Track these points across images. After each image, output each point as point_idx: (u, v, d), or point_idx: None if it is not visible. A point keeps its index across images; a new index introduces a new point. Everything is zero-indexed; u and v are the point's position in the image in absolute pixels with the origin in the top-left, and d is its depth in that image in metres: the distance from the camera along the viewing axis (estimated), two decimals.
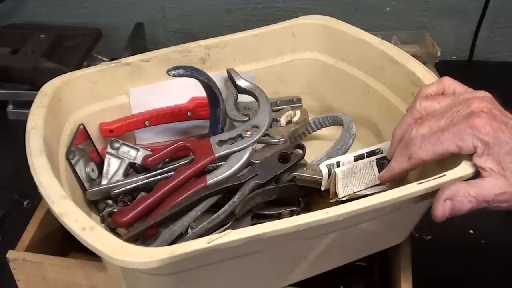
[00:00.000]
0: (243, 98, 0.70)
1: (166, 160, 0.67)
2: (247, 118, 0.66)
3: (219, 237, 0.47)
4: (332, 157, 0.63)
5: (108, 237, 0.47)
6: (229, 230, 0.47)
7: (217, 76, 0.70)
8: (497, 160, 0.51)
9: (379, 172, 0.61)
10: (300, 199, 0.62)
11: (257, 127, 0.64)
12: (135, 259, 0.45)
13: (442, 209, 0.52)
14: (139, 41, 1.02)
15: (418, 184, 0.52)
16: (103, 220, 0.63)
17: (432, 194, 0.53)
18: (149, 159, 0.64)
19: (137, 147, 0.68)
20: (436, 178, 0.52)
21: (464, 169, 0.53)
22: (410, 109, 0.58)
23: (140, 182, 0.64)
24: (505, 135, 0.51)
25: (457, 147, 0.52)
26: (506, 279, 0.70)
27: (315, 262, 0.58)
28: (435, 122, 0.54)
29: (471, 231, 0.75)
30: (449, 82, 0.58)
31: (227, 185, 0.58)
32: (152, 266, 0.45)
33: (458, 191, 0.52)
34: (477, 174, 0.53)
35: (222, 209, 0.57)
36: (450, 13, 1.05)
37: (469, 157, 0.53)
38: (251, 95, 0.69)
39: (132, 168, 0.68)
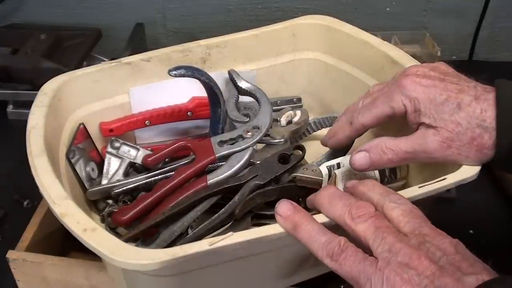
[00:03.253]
0: (244, 98, 0.70)
1: (167, 160, 0.67)
2: (247, 119, 0.66)
3: (221, 240, 0.47)
4: (333, 158, 0.63)
5: (110, 239, 0.47)
6: (231, 233, 0.47)
7: (218, 76, 0.70)
8: (428, 113, 0.53)
9: (380, 176, 0.61)
10: (300, 199, 0.62)
11: (258, 128, 0.64)
12: (137, 261, 0.45)
13: (357, 158, 0.55)
14: (139, 41, 1.02)
15: (419, 187, 0.52)
16: (103, 220, 0.63)
17: (430, 197, 0.53)
18: (150, 159, 0.64)
19: (138, 146, 0.68)
20: (437, 181, 0.53)
21: (465, 172, 0.53)
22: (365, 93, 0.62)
23: (141, 182, 0.64)
24: (438, 89, 0.53)
25: (390, 108, 0.55)
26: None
27: (317, 262, 0.58)
28: (377, 91, 0.58)
29: (471, 231, 0.75)
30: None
31: (228, 186, 0.58)
32: (154, 268, 0.45)
33: (377, 143, 0.55)
34: None
35: (223, 210, 0.57)
36: (450, 13, 1.05)
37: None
38: (252, 97, 0.68)
39: (133, 168, 0.68)
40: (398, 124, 0.60)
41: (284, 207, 0.49)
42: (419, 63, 0.65)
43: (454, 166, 0.54)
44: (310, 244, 0.46)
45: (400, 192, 0.52)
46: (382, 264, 0.41)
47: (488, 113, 0.51)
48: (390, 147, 0.54)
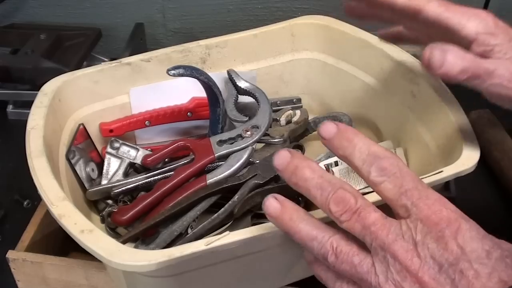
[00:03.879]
0: (243, 98, 0.70)
1: (166, 160, 0.67)
2: (247, 119, 0.66)
3: (217, 239, 0.47)
4: (332, 157, 0.63)
5: (107, 240, 0.47)
6: (227, 232, 0.47)
7: (217, 76, 0.70)
8: (504, 50, 0.48)
9: None
10: (299, 198, 0.62)
11: (257, 127, 0.64)
12: (133, 262, 0.45)
13: (434, 53, 0.46)
14: (139, 41, 1.02)
15: None
16: (103, 220, 0.63)
17: None
18: (149, 159, 0.64)
19: (137, 147, 0.68)
20: (434, 174, 0.53)
21: (462, 164, 0.53)
22: None
23: (140, 182, 0.64)
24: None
25: (459, 25, 0.49)
26: None
27: None
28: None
29: None
30: None
31: (227, 185, 0.58)
32: (150, 269, 0.45)
33: (454, 48, 0.47)
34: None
35: (222, 209, 0.57)
36: None
37: (469, 150, 0.53)
38: (252, 96, 0.69)
39: (132, 168, 0.68)
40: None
41: (271, 208, 0.43)
42: (420, 62, 0.65)
43: (452, 161, 0.54)
44: (305, 247, 0.42)
45: None
46: (379, 269, 0.38)
47: None
48: (469, 58, 0.47)
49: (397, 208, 0.40)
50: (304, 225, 0.42)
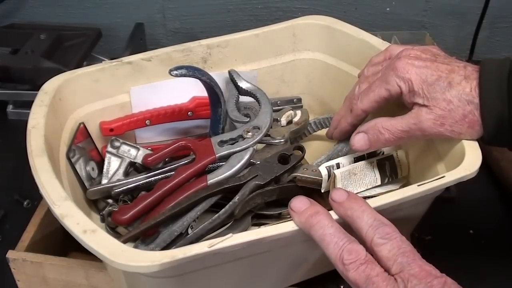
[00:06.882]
0: (244, 98, 0.70)
1: (167, 159, 0.67)
2: (248, 119, 0.66)
3: (220, 241, 0.46)
4: (333, 159, 0.63)
5: (109, 240, 0.47)
6: (230, 234, 0.47)
7: (218, 75, 0.70)
8: (421, 94, 0.54)
9: (381, 176, 0.61)
10: None
11: (258, 128, 0.64)
12: (136, 263, 0.45)
13: (356, 140, 0.58)
14: (139, 41, 1.02)
15: (418, 186, 0.52)
16: (103, 220, 0.63)
17: (430, 195, 0.53)
18: (150, 159, 0.64)
19: (138, 146, 0.68)
20: (436, 179, 0.53)
21: (464, 170, 0.53)
22: (359, 76, 0.64)
23: (141, 182, 0.64)
24: (429, 70, 0.54)
25: (386, 90, 0.57)
26: (506, 279, 0.70)
27: (317, 263, 0.58)
28: (373, 77, 0.60)
29: (471, 231, 0.75)
30: (394, 47, 0.62)
31: (228, 186, 0.58)
32: (153, 270, 0.45)
33: (374, 124, 0.57)
34: None
35: (223, 210, 0.57)
36: (450, 13, 1.05)
37: (471, 155, 0.54)
38: (253, 97, 0.69)
39: (133, 167, 0.68)
40: (394, 106, 0.61)
41: (300, 204, 0.50)
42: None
43: (453, 165, 0.54)
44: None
45: (399, 191, 0.52)
46: None
47: (477, 91, 0.53)
48: (386, 127, 0.56)
49: (391, 265, 0.44)
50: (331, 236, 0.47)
